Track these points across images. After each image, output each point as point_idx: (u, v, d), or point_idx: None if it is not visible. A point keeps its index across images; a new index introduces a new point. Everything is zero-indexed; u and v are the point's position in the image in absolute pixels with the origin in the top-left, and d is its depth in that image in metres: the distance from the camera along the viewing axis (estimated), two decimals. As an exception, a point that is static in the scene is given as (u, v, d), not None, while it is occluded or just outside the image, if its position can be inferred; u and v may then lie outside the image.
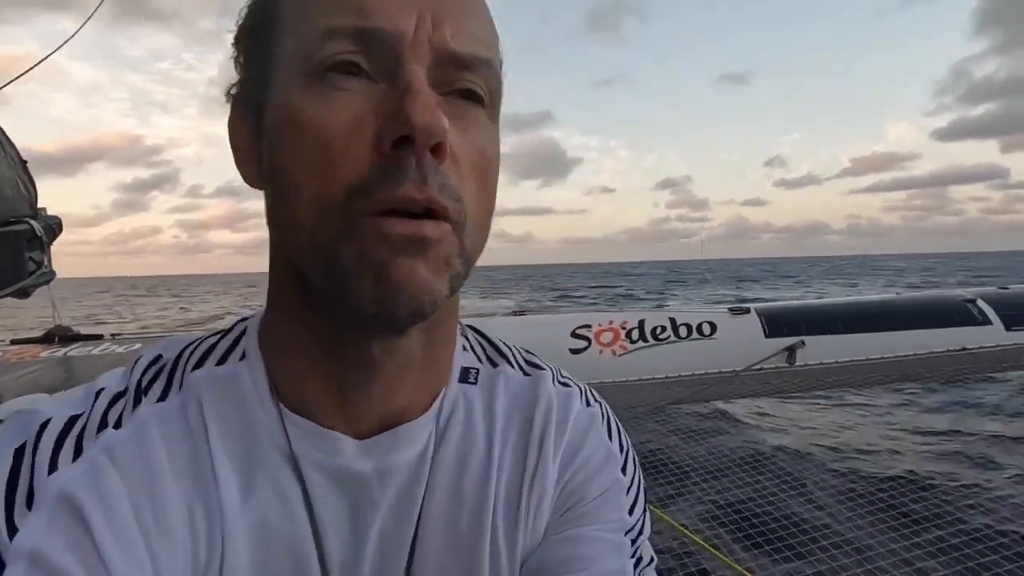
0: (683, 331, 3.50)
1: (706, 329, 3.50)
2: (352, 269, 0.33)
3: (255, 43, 0.39)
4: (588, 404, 0.48)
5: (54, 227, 2.13)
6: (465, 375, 0.46)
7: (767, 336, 3.45)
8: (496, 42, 0.39)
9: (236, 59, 0.40)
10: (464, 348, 0.48)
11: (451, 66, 0.35)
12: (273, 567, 0.38)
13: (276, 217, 0.37)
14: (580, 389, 0.49)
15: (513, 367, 0.48)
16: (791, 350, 3.36)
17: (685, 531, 3.05)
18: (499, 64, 0.39)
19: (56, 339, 2.67)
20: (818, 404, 5.80)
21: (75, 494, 0.33)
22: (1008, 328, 3.44)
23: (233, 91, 0.41)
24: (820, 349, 3.37)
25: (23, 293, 2.04)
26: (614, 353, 3.42)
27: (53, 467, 0.34)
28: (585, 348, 3.44)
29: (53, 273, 2.15)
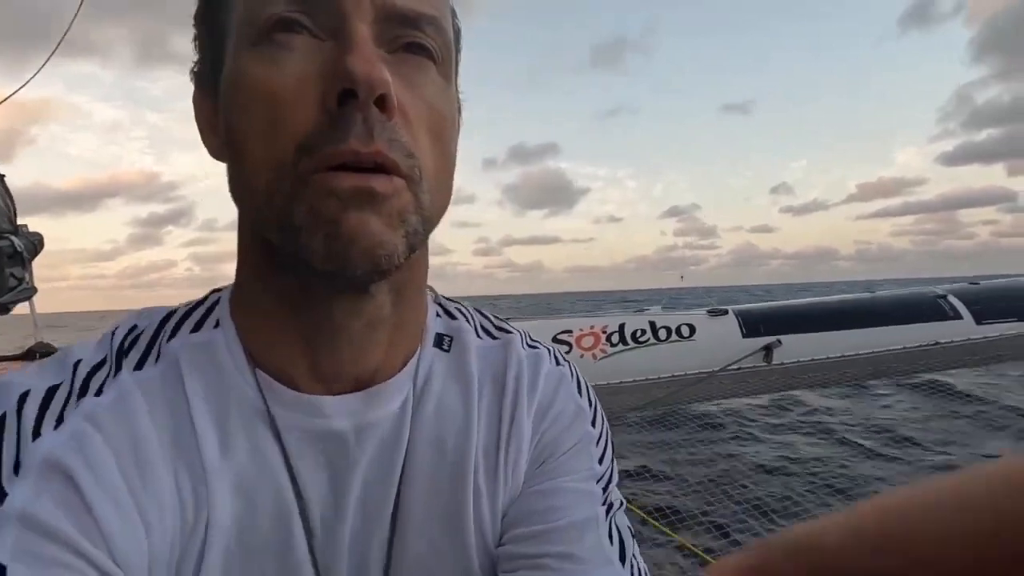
0: (663, 333, 3.56)
1: (685, 331, 3.56)
2: (304, 226, 0.33)
3: (210, 18, 0.39)
4: (557, 363, 0.50)
5: (35, 243, 2.15)
6: (439, 341, 0.47)
7: (744, 336, 3.51)
8: (444, 2, 0.39)
9: (196, 38, 0.41)
10: (437, 314, 0.49)
11: (395, 22, 0.35)
12: (257, 525, 0.39)
13: (235, 184, 0.37)
14: (549, 350, 0.51)
15: (483, 331, 0.50)
16: (768, 349, 3.42)
17: (663, 528, 3.08)
18: (449, 23, 0.39)
19: (37, 356, 2.68)
20: (793, 403, 5.94)
21: (61, 457, 0.34)
22: (979, 322, 3.52)
23: (195, 69, 0.41)
24: (796, 347, 3.43)
25: (3, 309, 2.06)
26: (594, 357, 3.46)
27: (37, 434, 0.35)
28: (566, 352, 3.48)
29: (34, 289, 2.17)
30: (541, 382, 0.47)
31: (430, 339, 0.46)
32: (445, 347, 0.47)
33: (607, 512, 0.46)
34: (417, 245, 0.36)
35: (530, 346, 0.50)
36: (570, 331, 3.60)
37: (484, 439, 0.45)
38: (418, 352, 0.45)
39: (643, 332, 3.55)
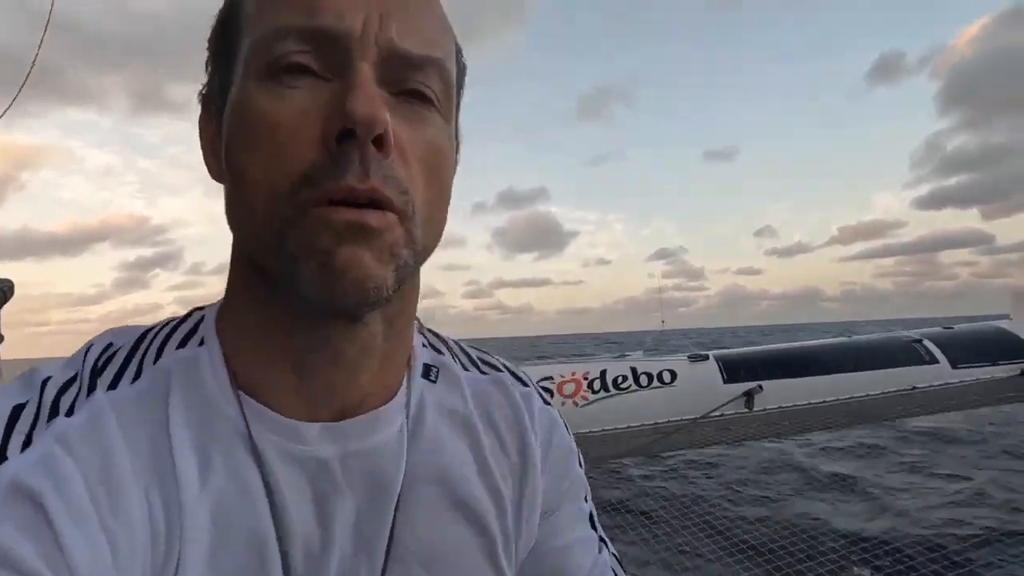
0: (644, 380, 3.53)
1: (666, 377, 3.54)
2: (299, 255, 0.33)
3: (221, 44, 0.40)
4: (545, 402, 0.50)
5: (5, 290, 2.07)
6: (427, 372, 0.46)
7: (725, 382, 3.49)
8: (448, 40, 0.40)
9: (207, 61, 0.42)
10: (424, 345, 0.48)
11: (399, 65, 0.36)
12: (231, 553, 0.37)
13: (232, 207, 0.38)
14: (535, 388, 0.51)
15: (470, 364, 0.50)
16: (749, 395, 3.40)
17: None
18: (452, 62, 0.40)
19: None
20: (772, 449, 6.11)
21: (29, 482, 0.32)
22: (954, 367, 3.56)
23: (203, 91, 0.42)
24: (777, 393, 3.42)
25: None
26: (576, 404, 3.41)
27: (3, 458, 0.33)
28: (547, 400, 3.42)
29: (0, 337, 2.08)
30: (538, 425, 0.48)
31: (418, 369, 0.46)
32: (432, 378, 0.46)
33: (608, 553, 0.48)
34: (407, 278, 0.37)
35: (520, 381, 0.50)
36: (551, 378, 3.56)
37: (491, 480, 0.44)
38: (406, 382, 0.44)
39: (624, 379, 3.52)
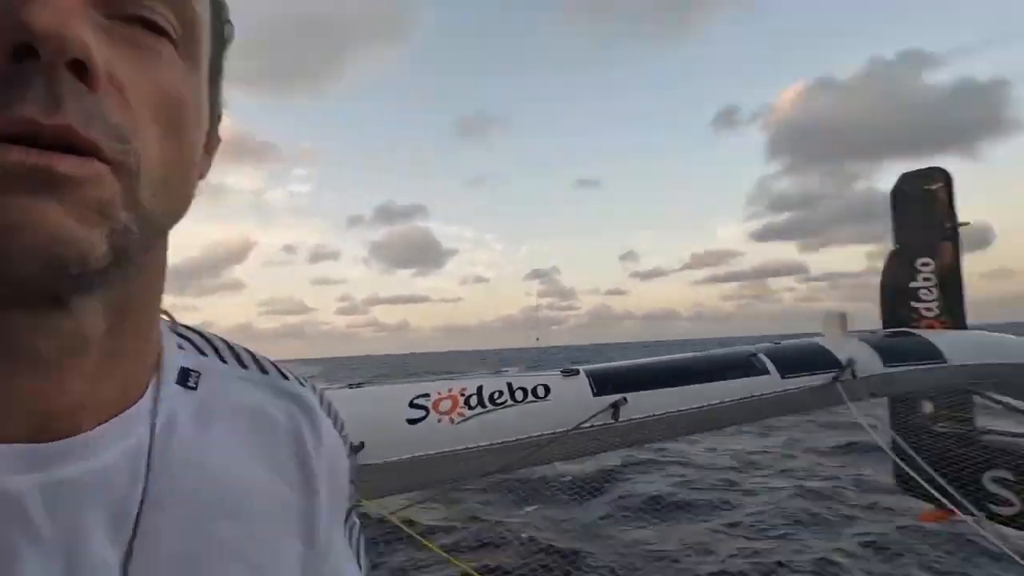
0: (519, 395, 3.61)
1: (540, 391, 3.65)
2: None
3: None
4: (321, 403, 0.46)
5: None
6: (184, 377, 0.39)
7: (595, 395, 3.68)
8: None
9: None
10: (180, 347, 0.41)
11: None
12: None
13: None
14: (314, 389, 0.46)
15: (238, 364, 0.44)
16: (615, 406, 3.62)
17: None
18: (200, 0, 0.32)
19: None
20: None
21: None
22: (783, 376, 4.07)
23: None
24: (639, 404, 3.67)
25: None
26: (452, 421, 3.40)
27: None
28: (423, 417, 3.38)
29: None
30: (323, 433, 0.44)
31: (171, 374, 0.38)
32: (191, 384, 0.39)
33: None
34: (131, 250, 0.28)
35: (299, 383, 0.45)
36: (427, 395, 3.52)
37: (270, 495, 0.39)
38: (152, 389, 0.36)
39: (501, 394, 3.58)
